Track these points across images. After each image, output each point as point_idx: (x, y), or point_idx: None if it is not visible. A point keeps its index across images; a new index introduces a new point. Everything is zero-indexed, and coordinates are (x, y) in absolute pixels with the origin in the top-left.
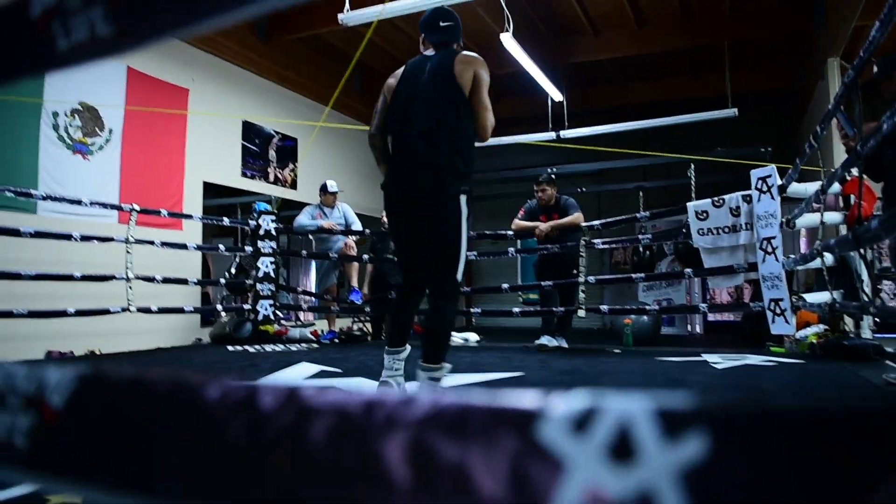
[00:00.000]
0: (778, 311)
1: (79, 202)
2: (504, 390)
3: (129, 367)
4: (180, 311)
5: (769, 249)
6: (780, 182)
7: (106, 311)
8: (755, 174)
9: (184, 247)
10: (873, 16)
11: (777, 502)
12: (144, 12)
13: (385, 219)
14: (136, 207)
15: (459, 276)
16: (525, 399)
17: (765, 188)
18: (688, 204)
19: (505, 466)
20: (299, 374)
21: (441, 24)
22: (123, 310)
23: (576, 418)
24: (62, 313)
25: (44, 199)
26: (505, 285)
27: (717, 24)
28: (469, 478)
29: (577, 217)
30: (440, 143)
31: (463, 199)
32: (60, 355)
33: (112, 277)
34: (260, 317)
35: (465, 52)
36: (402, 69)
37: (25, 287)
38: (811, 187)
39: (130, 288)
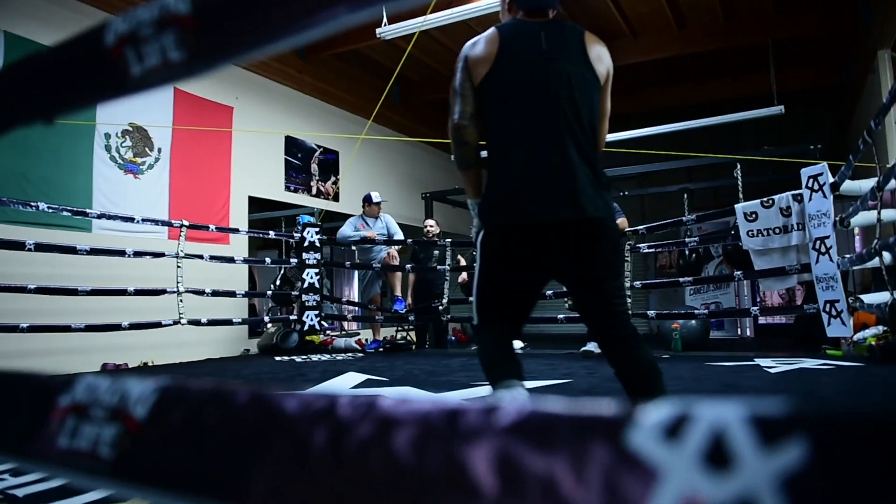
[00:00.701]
0: (834, 312)
1: (131, 219)
2: (583, 399)
3: (208, 378)
4: (229, 322)
5: (823, 249)
6: (832, 180)
7: (158, 325)
8: (805, 172)
9: (231, 260)
10: None
11: None
12: (214, 38)
13: (480, 251)
14: (186, 223)
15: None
16: (613, 407)
17: (816, 186)
18: (736, 206)
19: (596, 476)
20: (346, 384)
21: None
22: (175, 322)
23: (668, 425)
24: (117, 327)
25: (98, 217)
26: (549, 292)
27: (760, 22)
28: (559, 488)
29: (621, 222)
30: (593, 161)
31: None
32: (115, 367)
33: (164, 291)
34: (306, 327)
35: (589, 33)
36: (492, 36)
37: (82, 302)
38: (866, 184)
39: (181, 301)
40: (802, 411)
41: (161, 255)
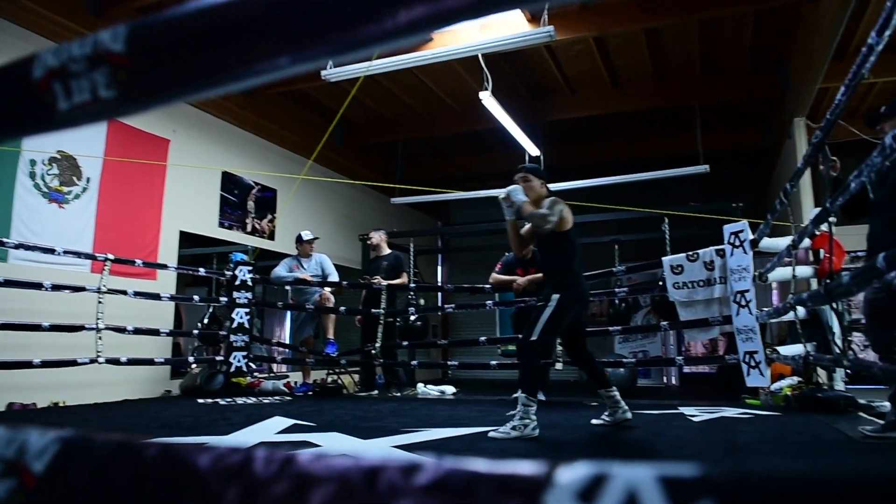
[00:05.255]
0: (753, 363)
1: (52, 251)
2: (510, 461)
3: (115, 431)
4: (150, 362)
5: (743, 302)
6: (752, 237)
7: (73, 363)
8: (728, 229)
9: (157, 297)
10: (836, 78)
11: None
12: (148, 78)
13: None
14: (111, 257)
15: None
16: (532, 468)
17: (737, 242)
18: (663, 259)
19: None
20: (272, 429)
21: None
22: (91, 361)
23: (583, 486)
24: (27, 364)
25: (15, 247)
26: (482, 338)
27: (689, 85)
28: None
29: None
30: None
31: None
32: (23, 407)
33: (82, 328)
34: (232, 368)
35: None
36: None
37: None
38: (782, 242)
39: (100, 338)
40: (711, 474)
41: (81, 289)
